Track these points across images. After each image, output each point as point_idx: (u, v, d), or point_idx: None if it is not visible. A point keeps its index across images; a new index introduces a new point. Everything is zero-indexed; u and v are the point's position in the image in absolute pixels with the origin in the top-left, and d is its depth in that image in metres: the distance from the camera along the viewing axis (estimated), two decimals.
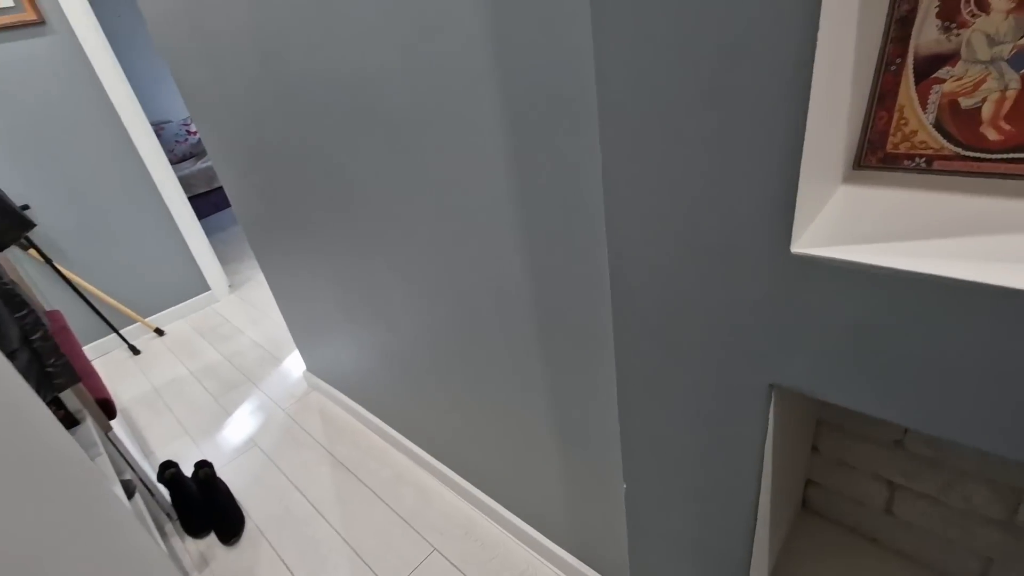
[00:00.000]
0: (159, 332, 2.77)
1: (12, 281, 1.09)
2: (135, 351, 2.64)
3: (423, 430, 1.56)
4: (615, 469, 0.98)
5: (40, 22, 2.21)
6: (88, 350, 2.63)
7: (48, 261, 2.38)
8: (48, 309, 2.06)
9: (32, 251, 2.35)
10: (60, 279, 2.46)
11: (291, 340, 2.50)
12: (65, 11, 2.26)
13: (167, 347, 2.67)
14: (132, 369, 2.53)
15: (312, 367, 2.08)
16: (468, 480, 1.49)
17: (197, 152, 4.67)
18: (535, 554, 1.35)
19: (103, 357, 2.66)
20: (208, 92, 1.43)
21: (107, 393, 1.46)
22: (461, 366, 1.19)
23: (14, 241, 1.18)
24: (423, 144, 0.89)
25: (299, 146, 1.21)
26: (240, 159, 1.51)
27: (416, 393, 1.46)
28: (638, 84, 0.37)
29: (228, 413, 2.10)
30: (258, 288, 3.09)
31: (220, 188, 4.56)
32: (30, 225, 1.21)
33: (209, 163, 4.43)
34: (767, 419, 0.43)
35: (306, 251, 1.52)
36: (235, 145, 1.49)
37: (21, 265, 2.37)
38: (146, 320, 2.77)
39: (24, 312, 1.05)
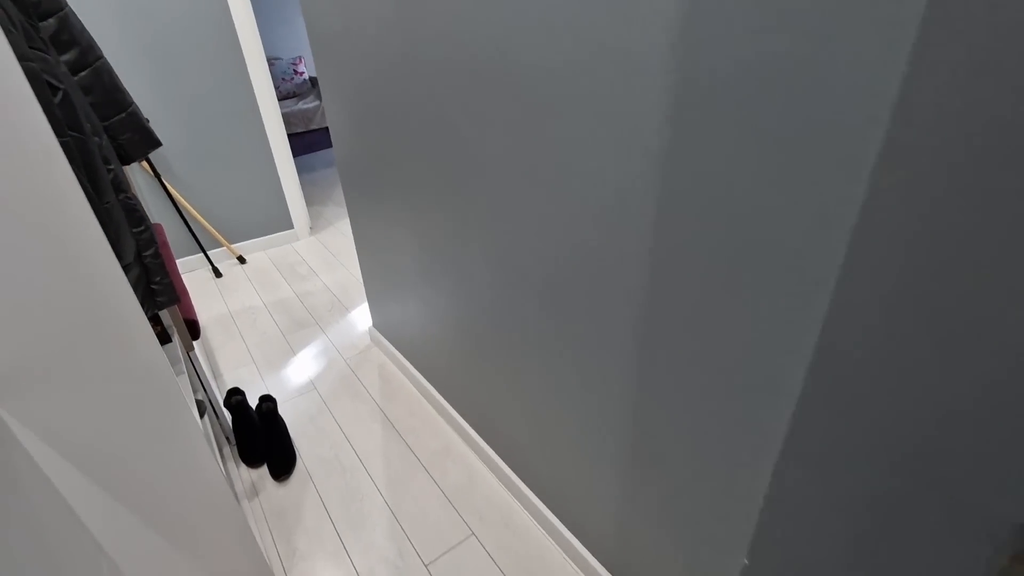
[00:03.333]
0: (241, 260, 2.90)
1: (134, 196, 1.13)
2: (218, 273, 2.78)
3: (478, 411, 1.55)
4: (685, 501, 0.91)
5: None
6: (177, 265, 2.79)
7: (157, 175, 2.52)
8: (152, 222, 2.19)
9: (144, 164, 2.49)
10: (164, 194, 2.60)
11: (362, 293, 2.55)
12: None
13: (246, 275, 2.79)
14: (213, 290, 2.66)
15: (378, 323, 2.11)
16: (516, 472, 1.46)
17: (300, 92, 4.81)
18: (572, 564, 1.32)
19: (189, 274, 2.82)
20: (336, 29, 1.43)
21: (195, 314, 1.53)
22: (539, 358, 1.15)
23: (142, 157, 1.23)
24: (563, 120, 0.83)
25: (419, 100, 1.18)
26: (355, 102, 1.51)
27: (479, 373, 1.44)
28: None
29: (293, 351, 2.17)
30: (337, 236, 3.17)
31: (315, 130, 4.70)
32: (157, 143, 1.25)
33: (309, 104, 4.56)
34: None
35: (399, 206, 1.52)
36: (353, 87, 1.48)
37: (133, 175, 2.52)
38: (232, 246, 2.90)
39: (141, 228, 1.09)
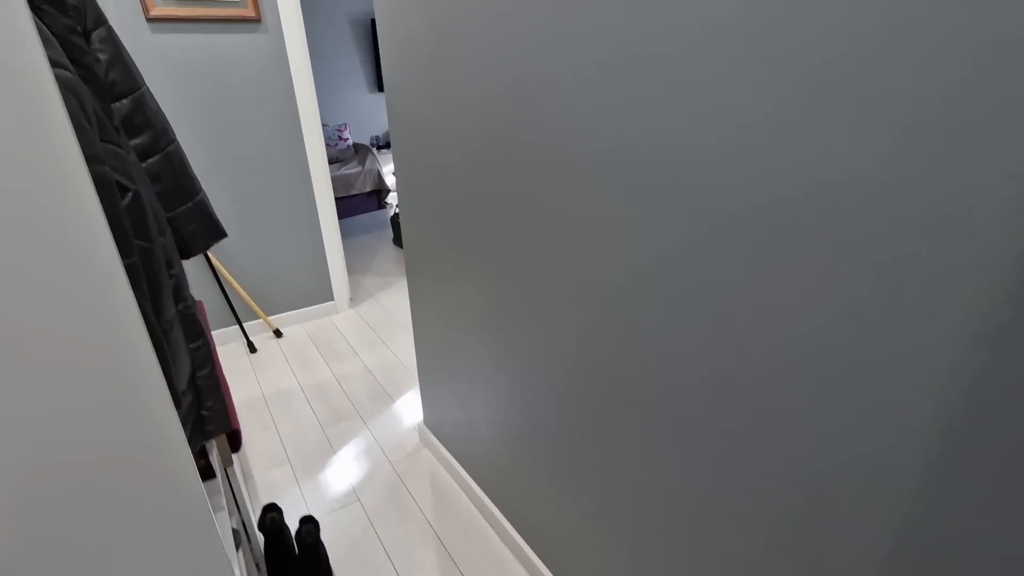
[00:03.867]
0: (278, 333, 2.72)
1: (191, 298, 0.95)
2: (252, 349, 2.59)
3: (556, 547, 1.28)
4: None
5: (257, 19, 2.27)
6: (217, 352, 2.61)
7: None
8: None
9: None
10: (204, 262, 2.46)
11: (407, 379, 2.33)
12: (280, 12, 2.31)
13: (282, 351, 2.60)
14: (246, 367, 2.47)
15: (431, 420, 1.87)
16: None
17: (343, 158, 4.82)
18: None
19: (222, 347, 2.63)
20: (424, 114, 1.29)
21: (238, 423, 1.31)
22: (632, 480, 0.90)
23: (203, 250, 1.06)
24: (684, 216, 0.63)
25: (510, 187, 1.01)
26: (434, 184, 1.36)
27: (553, 496, 1.19)
28: None
29: (333, 449, 1.93)
30: (378, 309, 3.00)
31: (355, 195, 4.66)
32: (222, 234, 1.09)
33: (352, 170, 4.54)
34: None
35: (470, 297, 1.32)
36: (433, 170, 1.33)
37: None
38: (268, 318, 2.73)
39: (199, 343, 0.90)
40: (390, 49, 1.35)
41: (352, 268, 3.58)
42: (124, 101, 0.89)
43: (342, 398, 2.22)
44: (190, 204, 1.02)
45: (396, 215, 3.89)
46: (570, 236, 0.93)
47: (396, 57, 1.33)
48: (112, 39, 0.87)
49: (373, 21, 5.06)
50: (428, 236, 1.48)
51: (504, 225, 1.10)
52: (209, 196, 2.41)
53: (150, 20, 2.09)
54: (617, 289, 0.86)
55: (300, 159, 2.57)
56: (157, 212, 0.90)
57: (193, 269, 2.47)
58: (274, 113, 2.44)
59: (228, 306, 2.56)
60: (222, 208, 2.45)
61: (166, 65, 2.16)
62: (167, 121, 0.97)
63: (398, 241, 3.97)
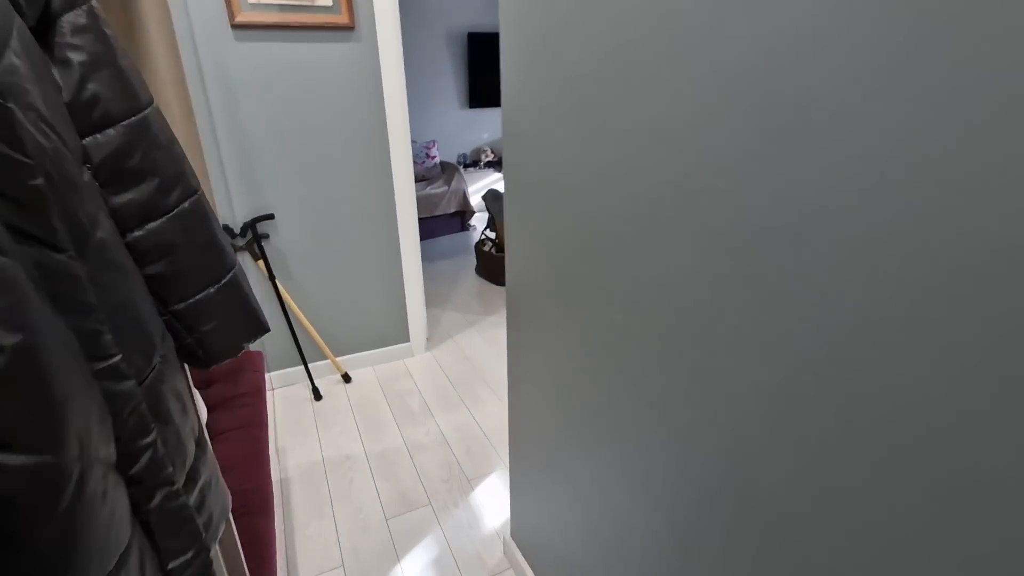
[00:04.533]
0: (346, 378, 2.41)
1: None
2: (317, 395, 2.29)
3: None
4: None
5: (351, 27, 1.99)
6: (272, 377, 2.35)
7: (271, 278, 2.13)
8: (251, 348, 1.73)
9: (261, 264, 2.11)
10: (275, 297, 2.20)
11: (488, 455, 1.91)
12: (377, 21, 2.02)
13: (349, 401, 2.28)
14: (308, 419, 2.16)
15: (520, 535, 1.44)
16: None
17: (429, 176, 4.57)
18: None
19: (284, 389, 2.36)
20: (552, 133, 0.88)
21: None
22: None
23: (233, 355, 0.70)
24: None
25: (655, 249, 0.56)
26: (555, 233, 0.93)
27: None
28: None
29: (397, 555, 1.54)
30: (456, 355, 2.63)
31: (438, 216, 4.38)
32: (264, 329, 0.72)
33: (437, 190, 4.27)
34: None
35: (587, 363, 0.88)
36: (561, 199, 0.91)
37: (245, 269, 2.14)
38: (337, 359, 2.43)
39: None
40: (521, 69, 0.95)
41: (430, 300, 3.26)
42: (111, 132, 0.53)
43: (412, 477, 1.84)
44: (216, 288, 0.66)
45: (482, 241, 3.54)
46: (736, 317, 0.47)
47: (534, 81, 0.93)
48: (97, 30, 0.52)
49: (471, 35, 4.81)
50: (541, 291, 1.06)
51: (645, 294, 0.66)
52: (286, 227, 2.16)
53: (235, 27, 1.85)
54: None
55: (385, 181, 2.26)
56: (144, 332, 0.54)
57: (261, 301, 2.21)
58: (361, 129, 2.14)
59: (295, 344, 2.28)
60: (297, 238, 2.18)
61: (249, 76, 1.91)
62: (185, 162, 0.61)
63: (482, 271, 3.62)
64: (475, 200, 5.13)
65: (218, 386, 1.48)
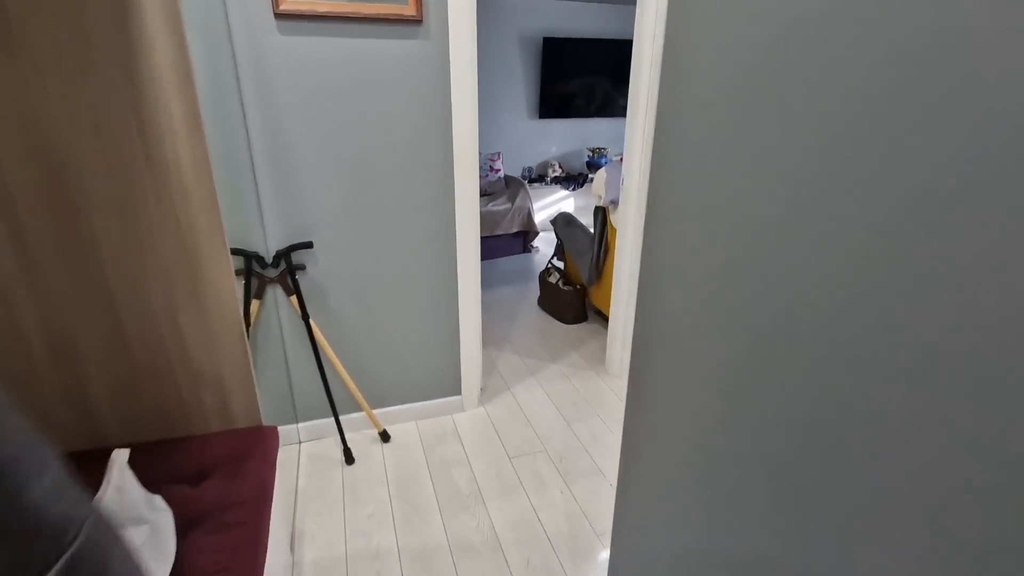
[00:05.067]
0: (384, 436, 2.03)
1: None
2: (349, 458, 1.92)
3: None
4: None
5: (418, 20, 1.62)
6: (301, 429, 2.00)
7: (305, 317, 1.78)
8: (265, 424, 1.38)
9: (294, 300, 1.77)
10: (307, 338, 1.85)
11: (553, 569, 1.48)
12: (450, 14, 1.64)
13: (385, 467, 1.90)
14: (335, 489, 1.79)
15: None
16: None
17: (492, 191, 4.19)
18: None
19: (312, 444, 2.01)
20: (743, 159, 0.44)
21: None
22: None
23: None
24: None
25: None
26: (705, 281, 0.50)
27: None
28: None
29: None
30: (515, 414, 2.21)
31: (499, 236, 3.99)
32: None
33: (500, 207, 3.88)
34: None
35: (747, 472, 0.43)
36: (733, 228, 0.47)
37: (276, 309, 1.81)
38: (374, 413, 2.06)
39: None
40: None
41: (485, 337, 2.86)
42: None
43: None
44: None
45: (547, 271, 3.12)
46: None
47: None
48: None
49: (546, 40, 4.42)
50: (692, 330, 0.62)
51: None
52: (328, 253, 1.80)
53: (280, 16, 1.51)
54: None
55: (446, 202, 1.87)
56: None
57: (292, 341, 1.87)
58: (423, 142, 1.77)
59: (327, 395, 1.92)
60: (334, 264, 1.82)
61: (293, 75, 1.57)
62: None
63: (545, 304, 3.19)
64: (539, 218, 4.72)
65: (212, 482, 1.12)
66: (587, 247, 2.78)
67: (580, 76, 4.66)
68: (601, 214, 2.59)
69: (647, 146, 2.06)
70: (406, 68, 1.67)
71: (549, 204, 4.73)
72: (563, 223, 3.03)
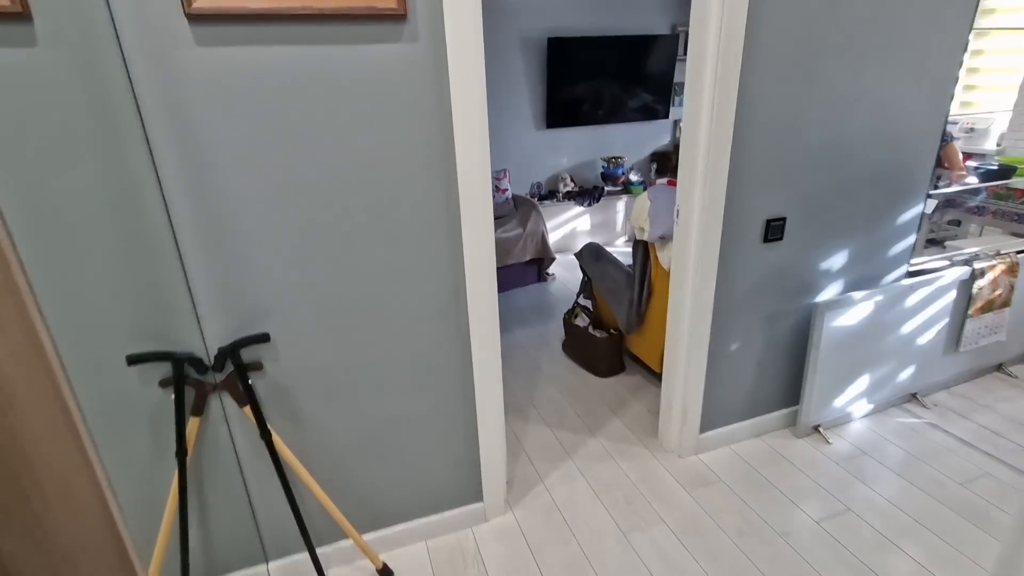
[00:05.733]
0: (384, 573, 1.53)
1: None
2: None
3: None
4: None
5: (399, 14, 1.13)
6: (273, 570, 1.50)
7: (265, 433, 1.28)
8: None
9: (248, 410, 1.27)
10: (267, 458, 1.35)
11: None
12: (446, 11, 1.15)
13: None
14: None
15: None
16: None
17: (501, 215, 3.70)
18: None
19: None
20: None
21: None
22: None
23: None
24: None
25: None
26: None
27: None
28: None
29: None
30: (553, 523, 1.70)
31: (511, 266, 3.49)
32: None
33: (510, 232, 3.38)
34: None
35: None
36: None
37: (226, 426, 1.31)
38: (365, 541, 1.56)
39: None
40: None
41: (505, 403, 2.36)
42: None
43: None
44: None
45: (573, 311, 2.62)
46: None
47: None
48: None
49: (552, 41, 3.94)
50: None
51: None
52: (280, 336, 1.22)
53: (194, 19, 1.02)
54: None
55: (451, 250, 1.38)
56: None
57: (249, 461, 1.37)
58: (416, 184, 1.28)
59: (299, 527, 1.42)
60: (300, 354, 1.33)
61: (225, 103, 1.08)
62: None
63: (573, 351, 2.68)
64: (553, 239, 4.22)
65: None
66: (623, 286, 2.28)
67: (589, 79, 4.17)
68: (642, 249, 2.09)
69: (715, 161, 1.57)
70: (387, 82, 1.18)
71: (563, 223, 4.24)
72: (591, 257, 2.53)
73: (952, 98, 1.81)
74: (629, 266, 2.62)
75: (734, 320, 1.83)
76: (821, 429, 2.05)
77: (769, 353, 1.95)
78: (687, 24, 4.45)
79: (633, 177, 4.41)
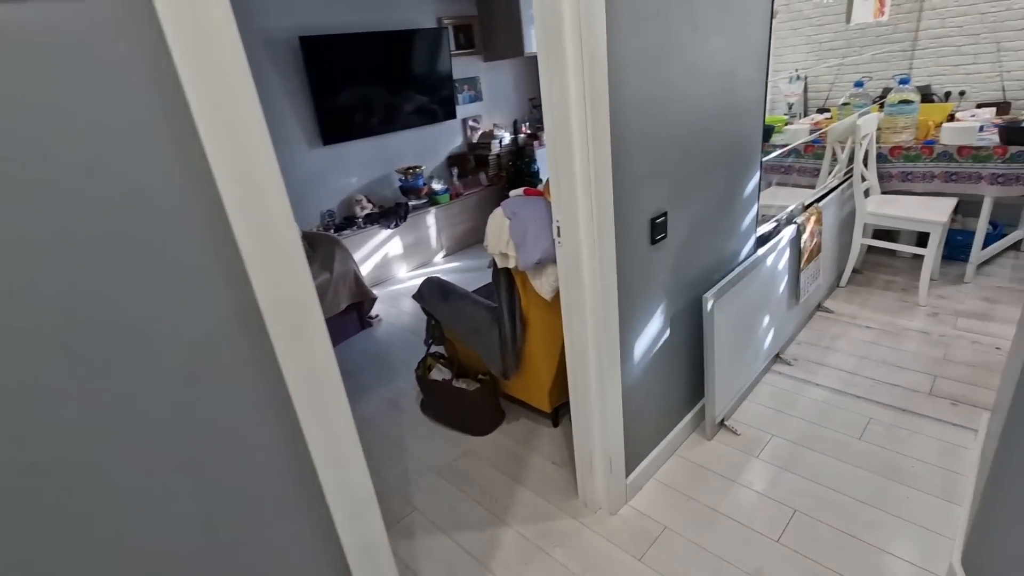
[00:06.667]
0: None
1: None
2: None
3: None
4: None
5: None
6: None
7: None
8: None
9: None
10: None
11: None
12: None
13: None
14: None
15: None
16: None
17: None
18: None
19: None
20: None
21: None
22: None
23: None
24: None
25: None
26: None
27: None
28: None
29: None
30: None
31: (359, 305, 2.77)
32: None
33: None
34: None
35: None
36: None
37: None
38: None
39: None
40: None
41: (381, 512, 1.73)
42: None
43: None
44: None
45: (426, 363, 2.09)
46: None
47: None
48: None
49: (306, 41, 3.25)
50: None
51: None
52: None
53: None
54: None
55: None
56: None
57: None
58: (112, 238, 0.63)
59: None
60: None
61: None
62: None
63: (440, 413, 2.15)
64: (367, 272, 3.57)
65: None
66: (487, 324, 1.84)
67: (358, 84, 3.60)
68: (505, 277, 1.68)
69: (597, 157, 1.21)
70: (69, 74, 0.52)
71: (371, 252, 3.62)
72: (436, 296, 2.03)
73: (769, 64, 1.77)
74: (478, 291, 2.19)
75: (639, 337, 1.55)
76: (727, 423, 1.93)
77: (673, 359, 1.73)
78: (454, 15, 4.17)
79: (436, 186, 4.00)
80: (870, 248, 3.09)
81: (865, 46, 3.42)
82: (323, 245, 2.92)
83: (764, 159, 1.94)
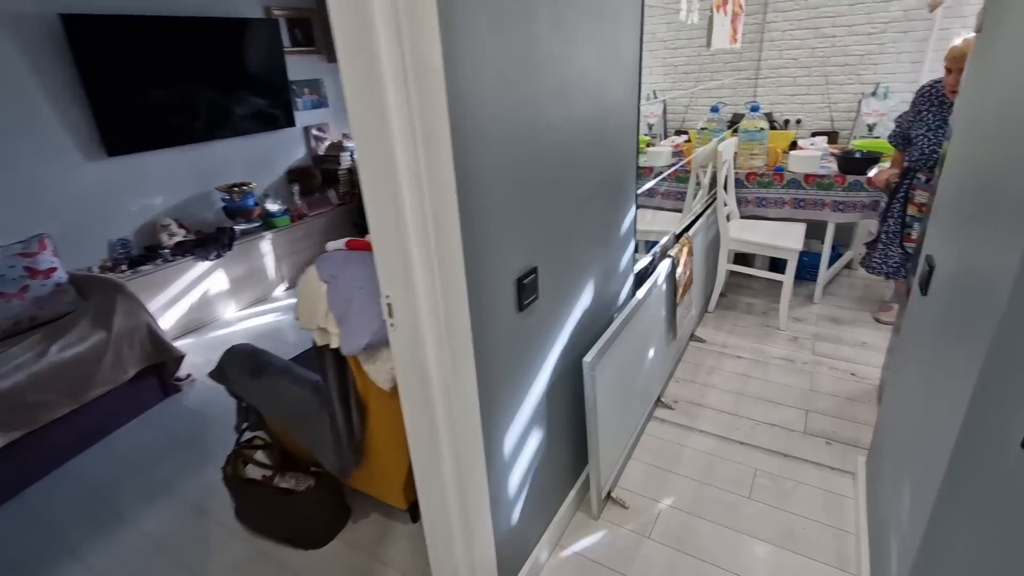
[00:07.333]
0: None
1: None
2: None
3: None
4: None
5: None
6: None
7: None
8: None
9: None
10: None
11: None
12: None
13: None
14: None
15: None
16: None
17: (47, 318, 2.15)
18: None
19: None
20: None
21: None
22: None
23: None
24: None
25: None
26: None
27: None
28: None
29: None
30: None
31: (103, 397, 2.08)
32: None
33: (78, 347, 1.98)
34: None
35: None
36: None
37: None
38: None
39: None
40: None
41: None
42: None
43: None
44: None
45: (239, 456, 1.57)
46: None
47: None
48: None
49: (70, 20, 2.47)
50: None
51: None
52: None
53: None
54: None
55: None
56: None
57: None
58: None
59: None
60: None
61: None
62: None
63: (262, 522, 1.63)
64: (173, 322, 2.84)
65: None
66: (316, 408, 1.38)
67: (157, 82, 2.88)
68: (333, 357, 1.24)
69: (437, 203, 0.84)
70: None
71: (184, 292, 2.89)
72: (243, 372, 1.51)
73: (640, 84, 1.55)
74: (309, 352, 1.71)
75: (510, 422, 1.21)
76: (613, 495, 1.67)
77: (552, 433, 1.42)
78: (285, 6, 3.54)
79: (272, 206, 3.36)
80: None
81: (716, 72, 3.51)
82: (98, 293, 2.20)
83: (638, 190, 1.73)
